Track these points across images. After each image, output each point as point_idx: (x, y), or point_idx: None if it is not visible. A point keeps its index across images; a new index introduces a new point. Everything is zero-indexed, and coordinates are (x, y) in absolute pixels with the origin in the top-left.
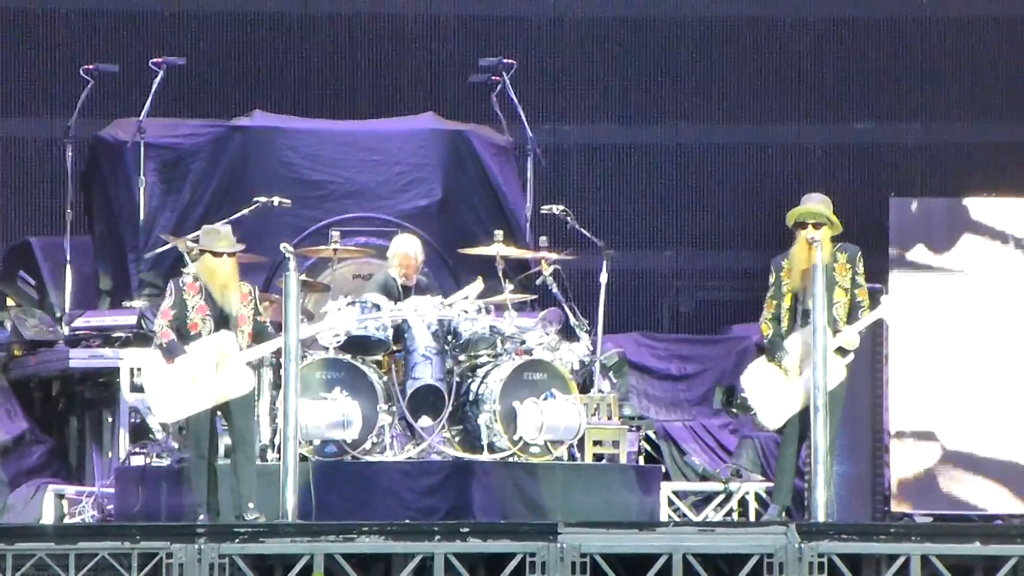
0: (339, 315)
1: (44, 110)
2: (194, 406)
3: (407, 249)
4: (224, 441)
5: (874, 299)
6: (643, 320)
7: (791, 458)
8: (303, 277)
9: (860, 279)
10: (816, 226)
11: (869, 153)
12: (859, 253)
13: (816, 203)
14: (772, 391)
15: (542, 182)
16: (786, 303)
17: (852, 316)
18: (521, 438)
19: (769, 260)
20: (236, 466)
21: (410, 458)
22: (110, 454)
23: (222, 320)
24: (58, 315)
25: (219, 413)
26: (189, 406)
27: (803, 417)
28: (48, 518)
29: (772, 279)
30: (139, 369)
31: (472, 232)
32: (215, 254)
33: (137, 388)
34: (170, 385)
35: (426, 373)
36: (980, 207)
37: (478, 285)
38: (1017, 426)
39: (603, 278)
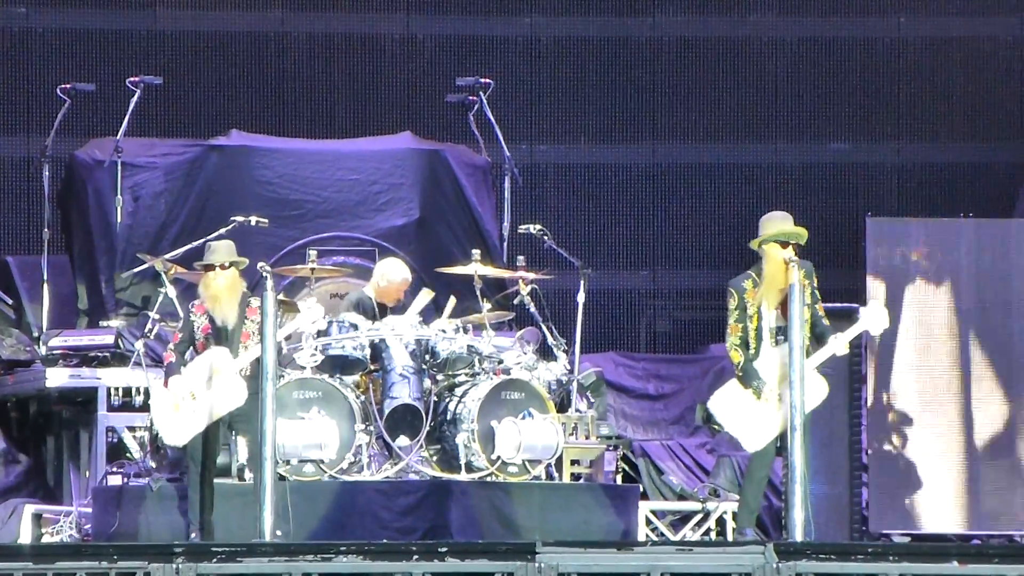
0: (310, 312)
1: (21, 129)
2: (196, 425)
3: (403, 275)
4: (237, 459)
5: (852, 318)
6: (620, 340)
7: (764, 480)
8: (280, 296)
9: (817, 293)
10: (795, 246)
11: (845, 173)
12: (813, 269)
13: (790, 222)
14: (748, 415)
15: (519, 202)
16: (753, 324)
17: (816, 330)
18: (499, 457)
19: None
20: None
21: (388, 478)
22: (87, 474)
23: (221, 336)
24: (35, 334)
25: (233, 431)
26: (192, 426)
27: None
28: (25, 538)
29: (735, 302)
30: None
31: (449, 251)
32: (208, 268)
33: (114, 407)
34: (172, 408)
35: (404, 392)
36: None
37: (450, 302)
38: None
39: (580, 298)
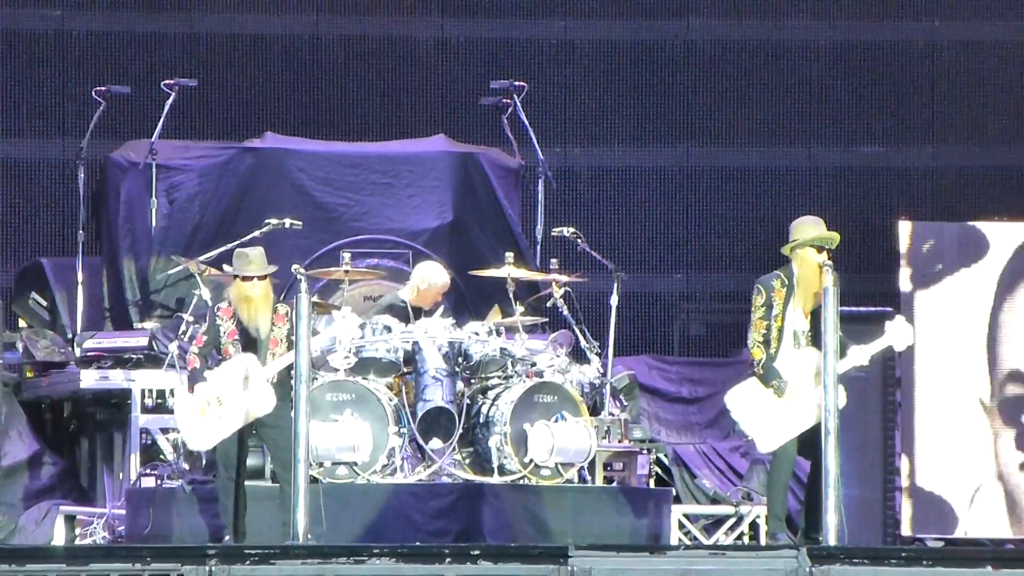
0: (344, 323)
1: (56, 132)
2: (222, 431)
3: (444, 278)
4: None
5: (881, 321)
6: (654, 343)
7: (786, 486)
8: (314, 299)
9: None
10: (828, 251)
11: (879, 176)
12: (837, 277)
13: (823, 226)
14: (765, 414)
15: (553, 205)
16: (777, 324)
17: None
18: (532, 460)
19: None
20: (280, 492)
21: (420, 480)
22: (121, 475)
23: (250, 344)
24: (69, 336)
25: (255, 434)
26: (218, 432)
27: (799, 439)
28: (59, 540)
29: (763, 299)
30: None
31: (482, 254)
32: (245, 278)
33: (148, 409)
34: (197, 413)
35: (437, 395)
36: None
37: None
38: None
39: (613, 300)
